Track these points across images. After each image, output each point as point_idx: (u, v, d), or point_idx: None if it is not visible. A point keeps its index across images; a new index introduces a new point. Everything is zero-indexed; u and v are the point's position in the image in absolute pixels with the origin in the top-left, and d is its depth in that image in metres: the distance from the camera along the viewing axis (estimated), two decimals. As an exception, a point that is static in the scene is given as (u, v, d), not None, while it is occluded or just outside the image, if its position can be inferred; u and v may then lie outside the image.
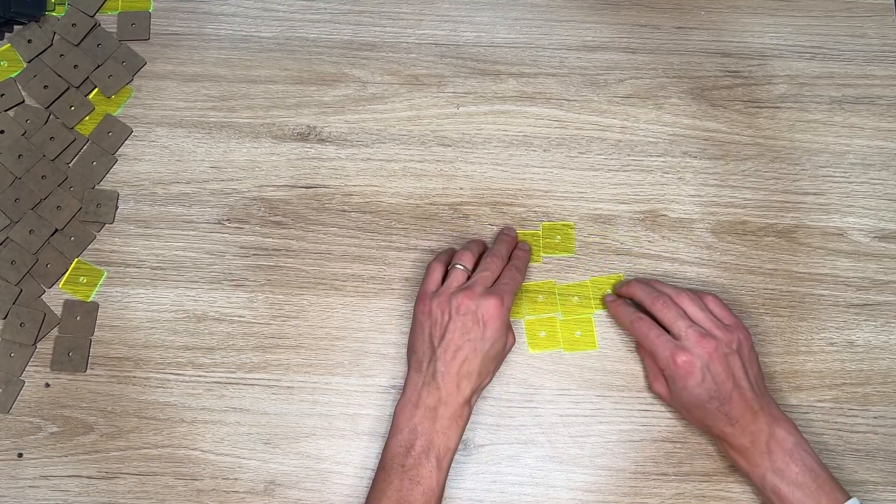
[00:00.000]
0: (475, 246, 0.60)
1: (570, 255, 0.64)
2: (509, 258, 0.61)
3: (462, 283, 0.57)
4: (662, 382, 0.58)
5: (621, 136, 0.67)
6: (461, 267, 0.58)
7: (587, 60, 0.69)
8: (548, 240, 0.64)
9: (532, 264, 0.64)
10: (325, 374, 0.61)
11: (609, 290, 0.63)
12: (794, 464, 0.52)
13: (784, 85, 0.69)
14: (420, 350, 0.56)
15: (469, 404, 0.55)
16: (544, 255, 0.64)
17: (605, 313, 0.63)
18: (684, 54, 0.69)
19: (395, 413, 0.55)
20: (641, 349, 0.60)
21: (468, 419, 0.55)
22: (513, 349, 0.62)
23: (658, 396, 0.59)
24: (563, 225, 0.64)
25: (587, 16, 0.70)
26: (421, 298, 0.58)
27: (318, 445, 0.60)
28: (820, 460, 0.53)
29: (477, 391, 0.56)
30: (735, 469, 0.57)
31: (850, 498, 0.51)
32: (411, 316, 0.62)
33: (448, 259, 0.60)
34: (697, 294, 0.58)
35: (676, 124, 0.67)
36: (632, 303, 0.61)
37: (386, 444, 0.55)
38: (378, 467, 0.54)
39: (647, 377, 0.60)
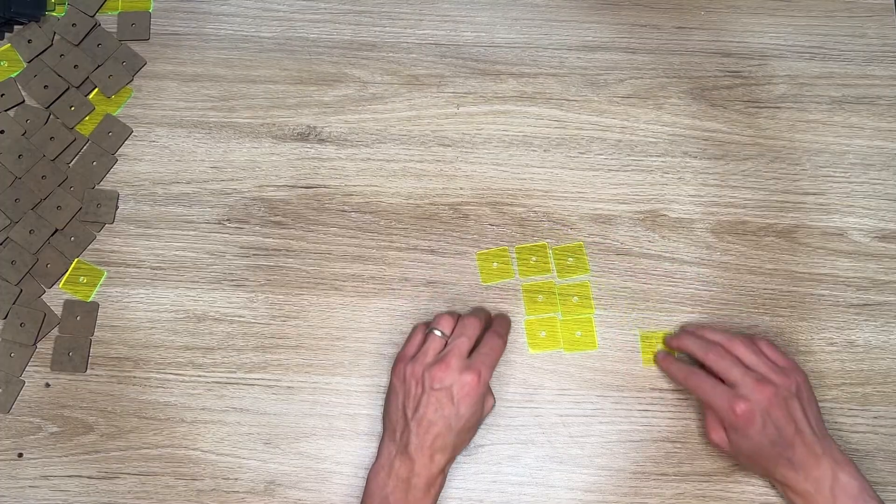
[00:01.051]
0: (456, 312, 0.59)
1: (587, 274, 0.63)
2: (491, 321, 0.59)
3: (438, 352, 0.55)
4: (721, 433, 0.55)
5: (621, 136, 0.67)
6: (438, 333, 0.56)
7: (587, 60, 0.69)
8: (560, 261, 0.64)
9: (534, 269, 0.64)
10: (325, 374, 0.61)
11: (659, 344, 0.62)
12: None
13: (784, 85, 0.69)
14: (394, 418, 0.55)
15: (443, 474, 0.54)
16: (559, 279, 0.63)
17: (605, 312, 0.63)
18: (684, 54, 0.69)
19: (368, 478, 0.55)
20: (698, 392, 0.57)
21: (442, 487, 0.55)
22: (513, 349, 0.62)
23: (716, 447, 0.56)
24: (575, 246, 0.64)
25: (587, 16, 0.70)
26: (397, 361, 0.57)
27: (318, 445, 0.60)
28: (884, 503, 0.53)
29: (451, 461, 0.55)
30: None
31: None
32: (408, 316, 0.62)
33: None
34: (750, 339, 0.57)
35: (676, 124, 0.67)
36: (685, 356, 0.60)
37: None
38: None
39: (704, 426, 0.57)
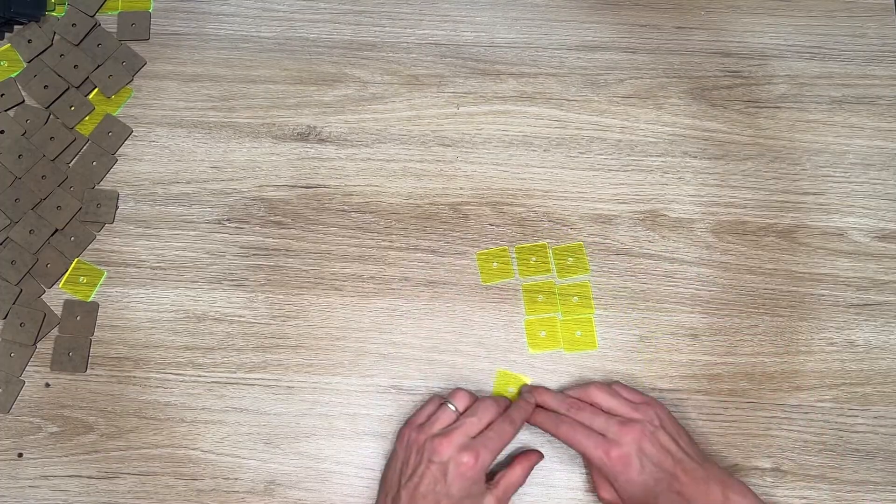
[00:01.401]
0: (476, 395, 0.57)
1: (587, 274, 0.63)
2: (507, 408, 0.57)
3: (446, 425, 0.54)
4: (610, 489, 0.55)
5: (621, 136, 0.67)
6: (452, 408, 0.55)
7: (587, 60, 0.69)
8: (560, 261, 0.64)
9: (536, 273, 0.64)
10: (325, 374, 0.61)
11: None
12: None
13: (784, 85, 0.69)
14: (390, 480, 0.54)
15: None
16: (559, 279, 0.63)
17: (605, 312, 0.63)
18: (684, 54, 0.69)
19: None
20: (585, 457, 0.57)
21: None
22: (513, 349, 0.62)
23: (606, 503, 0.56)
24: (575, 246, 0.64)
25: (587, 16, 0.71)
26: (404, 426, 0.56)
27: (318, 445, 0.60)
28: None
29: None
30: None
31: None
32: (408, 316, 0.62)
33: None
34: (603, 385, 0.57)
35: (676, 124, 0.67)
36: None
37: None
38: None
39: (594, 487, 0.57)
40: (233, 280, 0.64)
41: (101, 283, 0.64)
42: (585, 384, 0.58)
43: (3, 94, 0.67)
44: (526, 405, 0.57)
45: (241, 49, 0.69)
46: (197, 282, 0.63)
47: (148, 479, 0.59)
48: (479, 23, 0.70)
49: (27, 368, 0.62)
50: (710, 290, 0.63)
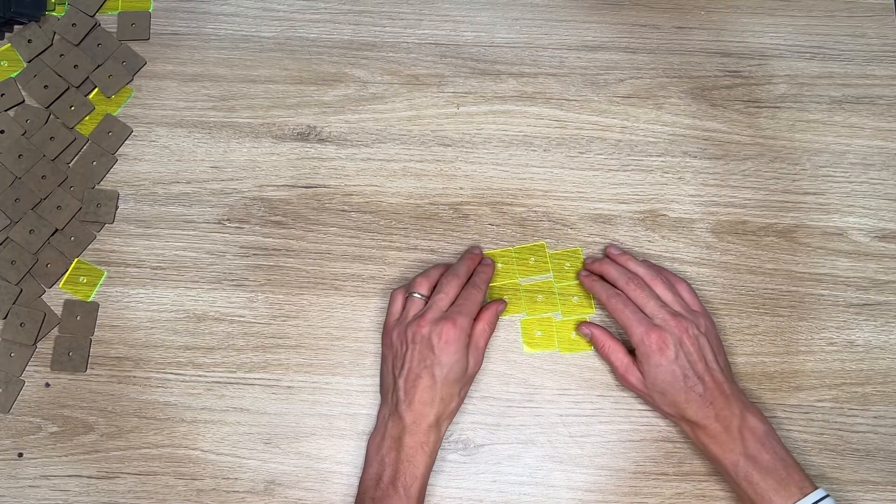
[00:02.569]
0: (434, 271, 0.60)
1: (546, 274, 0.63)
2: (471, 276, 0.60)
3: (419, 311, 0.57)
4: (635, 370, 0.57)
5: (621, 136, 0.67)
6: (417, 295, 0.58)
7: (587, 60, 0.69)
8: (558, 263, 0.64)
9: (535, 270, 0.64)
10: (325, 374, 0.61)
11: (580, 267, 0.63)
12: (766, 451, 0.53)
13: (784, 85, 0.69)
14: (386, 382, 0.57)
15: (436, 429, 0.55)
16: (521, 278, 0.64)
17: (605, 313, 0.62)
18: (684, 54, 0.69)
19: (367, 446, 0.56)
20: (604, 348, 0.59)
21: (437, 444, 0.55)
22: (513, 349, 0.62)
23: (631, 388, 0.58)
24: (573, 251, 0.64)
25: (587, 16, 0.71)
26: (384, 332, 0.59)
27: (318, 445, 0.60)
28: (787, 450, 0.54)
29: (444, 416, 0.55)
30: (702, 455, 0.58)
31: (816, 488, 0.52)
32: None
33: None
34: (669, 280, 0.59)
35: (676, 124, 0.67)
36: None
37: (360, 478, 0.55)
38: (354, 501, 0.55)
39: (617, 374, 0.59)
40: (233, 280, 0.64)
41: (101, 283, 0.64)
42: (654, 269, 0.59)
43: (3, 94, 0.67)
44: (485, 271, 0.61)
45: (241, 49, 0.69)
46: (197, 282, 0.63)
47: (148, 479, 0.59)
48: (479, 23, 0.70)
49: (27, 368, 0.62)
50: (710, 290, 0.63)
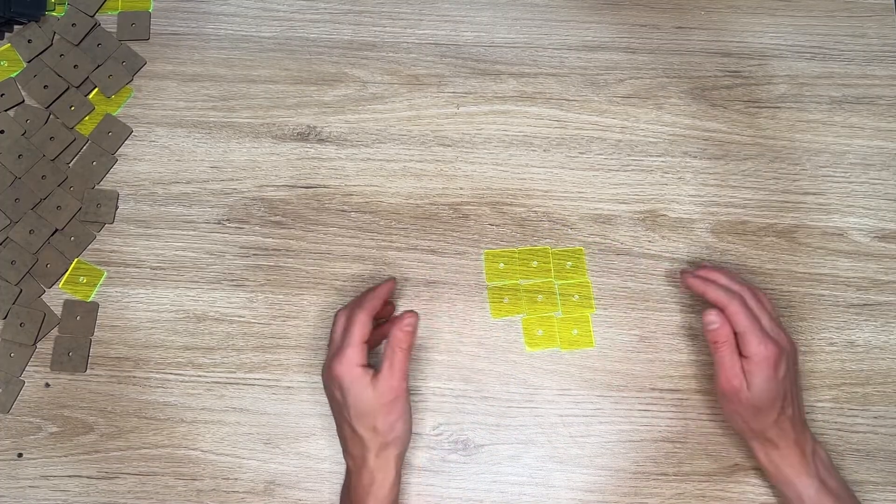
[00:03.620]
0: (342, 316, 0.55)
1: (584, 278, 0.63)
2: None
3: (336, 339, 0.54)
4: (741, 378, 0.53)
5: (621, 136, 0.67)
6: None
7: (587, 60, 0.69)
8: (559, 263, 0.64)
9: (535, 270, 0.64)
10: (325, 374, 0.61)
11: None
12: (833, 479, 0.54)
13: (784, 85, 0.69)
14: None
15: (384, 462, 0.52)
16: (557, 281, 0.63)
17: (605, 312, 0.63)
18: (684, 54, 0.69)
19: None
20: (717, 345, 0.54)
21: (390, 475, 0.53)
22: (513, 349, 0.62)
23: (727, 394, 0.54)
24: (575, 250, 0.64)
25: (587, 16, 0.71)
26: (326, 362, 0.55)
27: (318, 445, 0.60)
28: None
29: (389, 445, 0.52)
30: (765, 474, 0.56)
31: None
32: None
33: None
34: (765, 303, 0.57)
35: (676, 124, 0.67)
36: None
37: None
38: None
39: (719, 377, 0.54)
40: (233, 280, 0.64)
41: (101, 283, 0.63)
42: (754, 288, 0.57)
43: (3, 94, 0.67)
44: (373, 296, 0.55)
45: (241, 49, 0.69)
46: (197, 282, 0.63)
47: (148, 479, 0.59)
48: (479, 23, 0.70)
49: (27, 368, 0.62)
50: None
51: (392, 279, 0.58)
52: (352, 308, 0.54)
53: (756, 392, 0.53)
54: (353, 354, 0.52)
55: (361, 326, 0.53)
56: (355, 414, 0.52)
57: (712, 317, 0.54)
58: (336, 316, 0.55)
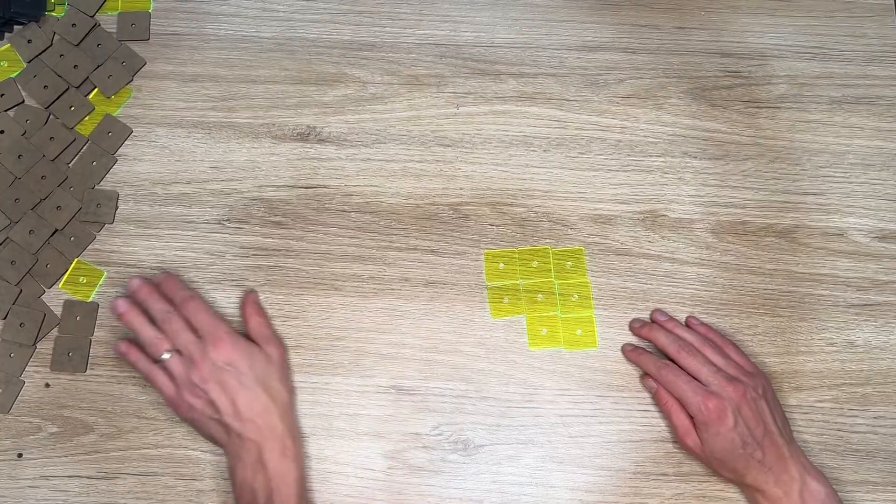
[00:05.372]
0: (141, 327, 0.57)
1: (584, 278, 0.63)
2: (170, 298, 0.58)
3: (184, 363, 0.55)
4: (693, 435, 0.56)
5: (621, 136, 0.67)
6: (167, 355, 0.55)
7: (587, 60, 0.69)
8: (559, 263, 0.63)
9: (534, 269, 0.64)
10: (325, 374, 0.61)
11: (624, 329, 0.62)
12: None
13: (784, 85, 0.69)
14: (218, 436, 0.55)
15: (286, 429, 0.55)
16: (557, 281, 0.63)
17: (605, 312, 0.63)
18: (684, 54, 0.69)
19: (233, 491, 0.55)
20: (667, 405, 0.58)
21: (298, 446, 0.55)
22: (513, 349, 0.62)
23: (689, 451, 0.57)
24: (576, 250, 0.64)
25: (587, 16, 0.71)
26: (176, 407, 0.56)
27: (318, 445, 0.60)
28: None
29: (285, 413, 0.55)
30: None
31: None
32: (408, 316, 0.62)
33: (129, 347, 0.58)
34: (717, 343, 0.59)
35: (676, 124, 0.67)
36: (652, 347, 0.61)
37: None
38: None
39: (676, 434, 0.57)
40: (233, 280, 0.63)
41: (101, 283, 0.63)
42: (705, 332, 0.59)
43: (3, 94, 0.67)
44: (168, 279, 0.59)
45: (241, 49, 0.69)
46: (197, 282, 0.63)
47: (148, 480, 0.59)
48: (479, 23, 0.70)
49: (27, 368, 0.62)
50: (709, 291, 0.63)
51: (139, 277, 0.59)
52: (182, 301, 0.57)
53: (710, 447, 0.55)
54: (228, 331, 0.56)
55: (207, 312, 0.57)
56: (259, 373, 0.56)
57: (649, 384, 0.59)
58: (146, 333, 0.56)
